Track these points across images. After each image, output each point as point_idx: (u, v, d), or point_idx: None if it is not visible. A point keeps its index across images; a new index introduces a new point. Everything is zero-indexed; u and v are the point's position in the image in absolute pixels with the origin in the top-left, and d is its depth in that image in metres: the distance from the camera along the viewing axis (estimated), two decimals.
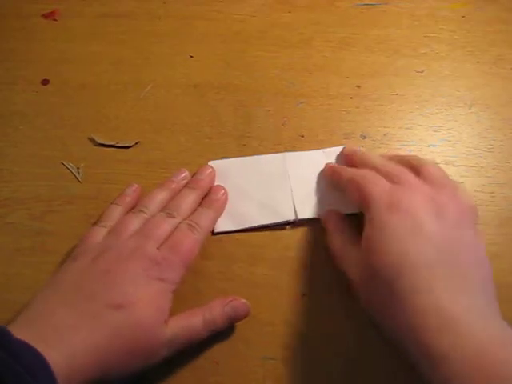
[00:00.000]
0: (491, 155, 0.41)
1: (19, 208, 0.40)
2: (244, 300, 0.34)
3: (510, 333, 0.26)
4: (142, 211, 0.36)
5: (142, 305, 0.30)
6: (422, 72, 0.45)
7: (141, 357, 0.30)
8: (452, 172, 0.40)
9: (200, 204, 0.38)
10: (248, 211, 0.38)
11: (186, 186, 0.38)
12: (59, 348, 0.27)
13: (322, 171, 0.39)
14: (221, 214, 0.38)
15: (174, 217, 0.35)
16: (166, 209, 0.36)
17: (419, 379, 0.27)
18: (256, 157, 0.41)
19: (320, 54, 0.47)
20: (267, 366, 0.33)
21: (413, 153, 0.41)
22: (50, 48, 0.48)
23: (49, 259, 0.37)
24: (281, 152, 0.41)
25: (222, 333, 0.34)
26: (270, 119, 0.43)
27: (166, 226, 0.34)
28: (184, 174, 0.39)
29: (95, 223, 0.37)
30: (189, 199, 0.37)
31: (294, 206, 0.38)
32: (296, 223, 0.38)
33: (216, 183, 0.39)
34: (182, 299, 0.34)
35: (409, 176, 0.33)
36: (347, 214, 0.37)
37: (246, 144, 0.42)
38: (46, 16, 0.50)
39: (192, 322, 0.32)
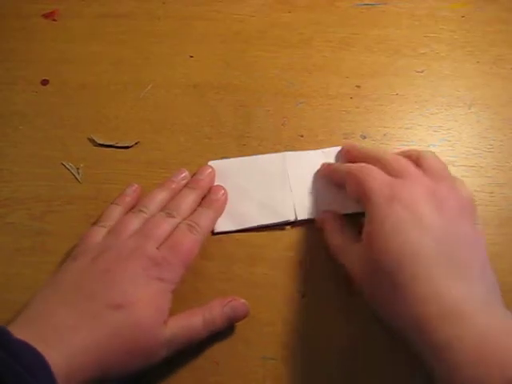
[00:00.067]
0: (491, 155, 0.41)
1: (19, 208, 0.40)
2: (243, 300, 0.34)
3: None
4: (141, 211, 0.36)
5: (142, 305, 0.30)
6: (421, 72, 0.45)
7: (140, 357, 0.30)
8: (452, 172, 0.39)
9: (200, 204, 0.38)
10: (248, 211, 0.38)
11: (185, 186, 0.38)
12: (59, 348, 0.27)
13: (319, 171, 0.39)
14: (221, 214, 0.38)
15: (174, 217, 0.35)
16: (166, 209, 0.36)
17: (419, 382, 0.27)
18: (256, 157, 0.41)
19: (320, 54, 0.47)
20: (267, 365, 0.33)
21: None
22: (49, 48, 0.48)
23: (49, 259, 0.37)
24: (280, 152, 0.41)
25: (221, 333, 0.34)
26: (269, 119, 0.43)
27: (165, 225, 0.34)
28: (184, 174, 0.39)
29: (95, 223, 0.37)
30: (189, 199, 0.37)
31: (294, 205, 0.38)
32: (296, 223, 0.38)
33: (216, 183, 0.39)
34: (181, 299, 0.34)
35: (409, 168, 0.33)
36: (346, 213, 0.37)
37: (245, 144, 0.42)
38: (45, 16, 0.50)
39: (192, 322, 0.32)
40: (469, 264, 0.29)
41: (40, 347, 0.26)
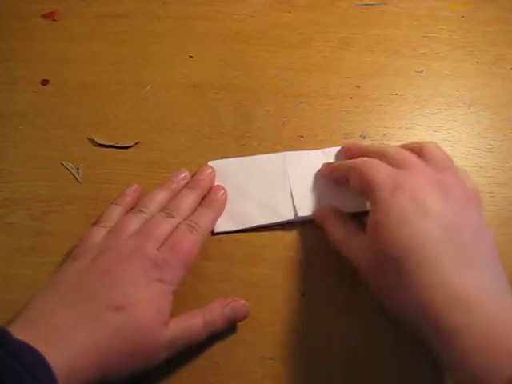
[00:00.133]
0: (491, 155, 0.41)
1: (19, 208, 0.40)
2: (243, 301, 0.34)
3: None
4: (141, 211, 0.36)
5: (142, 306, 0.30)
6: (421, 72, 0.45)
7: (141, 358, 0.30)
8: None
9: (200, 204, 0.38)
10: (248, 211, 0.38)
11: (185, 186, 0.38)
12: (59, 348, 0.27)
13: (320, 171, 0.39)
14: (220, 214, 0.38)
15: (174, 217, 0.35)
16: (166, 209, 0.36)
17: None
18: (255, 157, 0.41)
19: (320, 54, 0.47)
20: (266, 365, 0.33)
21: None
22: (49, 48, 0.48)
23: (49, 259, 0.37)
24: (280, 152, 0.41)
25: (221, 333, 0.34)
26: (269, 119, 0.43)
27: (165, 226, 0.34)
28: (184, 174, 0.39)
29: (95, 223, 0.37)
30: (189, 199, 0.37)
31: (294, 205, 0.38)
32: (296, 223, 0.38)
33: (216, 183, 0.39)
34: (181, 300, 0.34)
35: (412, 159, 0.33)
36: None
37: (245, 144, 0.42)
38: (45, 16, 0.50)
39: (192, 323, 0.32)
40: (475, 251, 0.29)
41: (40, 347, 0.26)
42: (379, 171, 0.32)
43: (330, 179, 0.38)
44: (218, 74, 0.46)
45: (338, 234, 0.35)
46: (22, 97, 0.45)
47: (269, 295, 0.36)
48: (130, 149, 0.42)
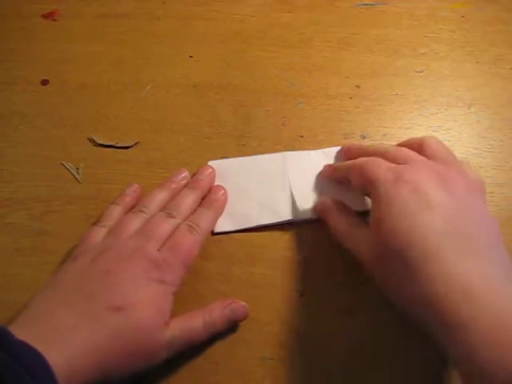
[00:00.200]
0: (491, 155, 0.41)
1: (19, 208, 0.40)
2: (243, 303, 0.34)
3: None
4: (141, 211, 0.36)
5: (142, 306, 0.30)
6: (421, 72, 0.45)
7: (141, 358, 0.30)
8: None
9: (200, 204, 0.38)
10: (248, 211, 0.38)
11: (185, 186, 0.38)
12: (59, 348, 0.27)
13: (321, 172, 0.39)
14: (220, 214, 0.38)
15: (174, 217, 0.35)
16: (166, 209, 0.36)
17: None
18: (255, 157, 0.41)
19: (320, 54, 0.47)
20: (266, 365, 0.33)
21: None
22: (49, 48, 0.48)
23: (49, 259, 0.37)
24: (280, 152, 0.41)
25: (221, 333, 0.34)
26: (269, 119, 0.43)
27: (166, 226, 0.34)
28: (184, 174, 0.39)
29: (95, 223, 0.37)
30: (189, 199, 0.37)
31: (294, 205, 0.38)
32: (296, 223, 0.38)
33: (216, 183, 0.39)
34: (181, 300, 0.34)
35: (412, 155, 0.33)
36: None
37: (245, 144, 0.42)
38: (45, 16, 0.50)
39: (192, 323, 0.32)
40: (479, 241, 0.28)
41: (40, 347, 0.26)
42: (380, 166, 0.32)
43: (332, 179, 0.38)
44: (218, 73, 0.46)
45: (340, 226, 0.35)
46: (22, 97, 0.45)
47: (269, 295, 0.36)
48: (130, 149, 0.42)
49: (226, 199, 0.38)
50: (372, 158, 0.34)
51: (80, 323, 0.29)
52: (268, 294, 0.36)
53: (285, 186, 0.39)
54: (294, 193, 0.39)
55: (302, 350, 0.34)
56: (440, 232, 0.28)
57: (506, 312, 0.25)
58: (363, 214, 0.36)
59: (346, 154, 0.39)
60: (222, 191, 0.38)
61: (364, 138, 0.42)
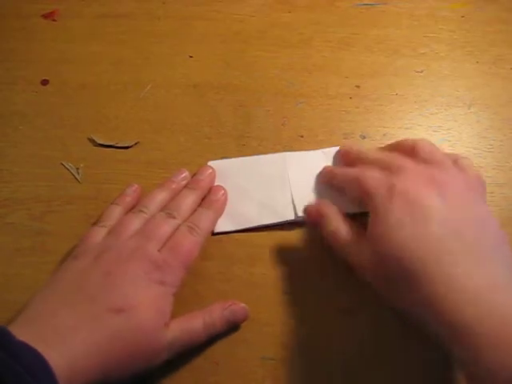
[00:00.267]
0: (491, 155, 0.41)
1: (19, 208, 0.40)
2: (243, 304, 0.34)
3: None
4: (141, 211, 0.36)
5: (143, 307, 0.30)
6: (421, 72, 0.45)
7: (142, 359, 0.30)
8: None
9: (200, 204, 0.38)
10: (248, 211, 0.38)
11: (186, 186, 0.38)
12: (59, 349, 0.27)
13: (320, 174, 0.39)
14: (221, 214, 0.38)
15: (174, 217, 0.35)
16: (166, 209, 0.36)
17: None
18: (255, 157, 0.41)
19: (319, 54, 0.47)
20: (266, 366, 0.33)
21: None
22: (49, 48, 0.48)
23: (49, 259, 0.37)
24: (280, 152, 0.41)
25: (221, 333, 0.34)
26: (269, 119, 0.43)
27: (166, 226, 0.34)
28: (184, 175, 0.39)
29: (95, 223, 0.37)
30: (189, 200, 0.37)
31: (294, 205, 0.38)
32: (296, 223, 0.38)
33: (216, 183, 0.39)
34: (181, 301, 0.34)
35: (403, 162, 0.33)
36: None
37: (245, 144, 0.42)
38: (45, 16, 0.50)
39: (193, 324, 0.32)
40: (479, 241, 0.29)
41: (40, 347, 0.26)
42: (374, 177, 0.33)
43: (330, 185, 0.38)
44: (218, 73, 0.46)
45: (339, 235, 0.34)
46: (22, 97, 0.45)
47: (268, 295, 0.36)
48: (129, 149, 0.42)
49: (226, 199, 0.38)
50: (366, 168, 0.34)
51: (80, 324, 0.29)
52: (268, 293, 0.36)
53: (285, 187, 0.39)
54: (293, 193, 0.39)
55: (302, 349, 0.34)
56: (437, 237, 0.29)
57: (508, 313, 0.25)
58: (363, 214, 0.36)
59: (343, 157, 0.39)
60: (222, 191, 0.38)
61: (364, 138, 0.42)
